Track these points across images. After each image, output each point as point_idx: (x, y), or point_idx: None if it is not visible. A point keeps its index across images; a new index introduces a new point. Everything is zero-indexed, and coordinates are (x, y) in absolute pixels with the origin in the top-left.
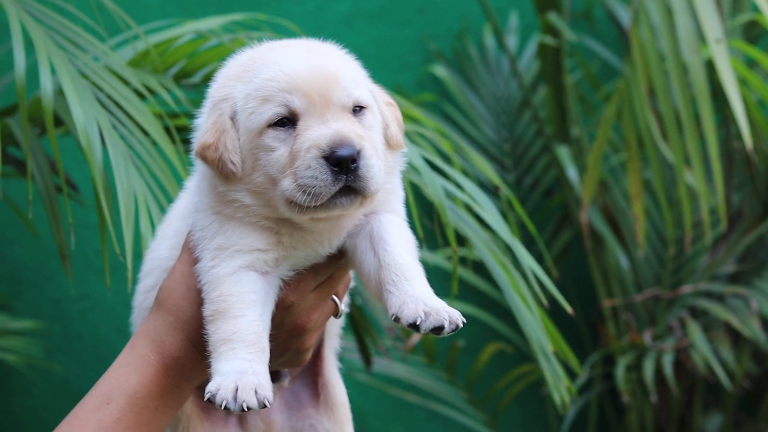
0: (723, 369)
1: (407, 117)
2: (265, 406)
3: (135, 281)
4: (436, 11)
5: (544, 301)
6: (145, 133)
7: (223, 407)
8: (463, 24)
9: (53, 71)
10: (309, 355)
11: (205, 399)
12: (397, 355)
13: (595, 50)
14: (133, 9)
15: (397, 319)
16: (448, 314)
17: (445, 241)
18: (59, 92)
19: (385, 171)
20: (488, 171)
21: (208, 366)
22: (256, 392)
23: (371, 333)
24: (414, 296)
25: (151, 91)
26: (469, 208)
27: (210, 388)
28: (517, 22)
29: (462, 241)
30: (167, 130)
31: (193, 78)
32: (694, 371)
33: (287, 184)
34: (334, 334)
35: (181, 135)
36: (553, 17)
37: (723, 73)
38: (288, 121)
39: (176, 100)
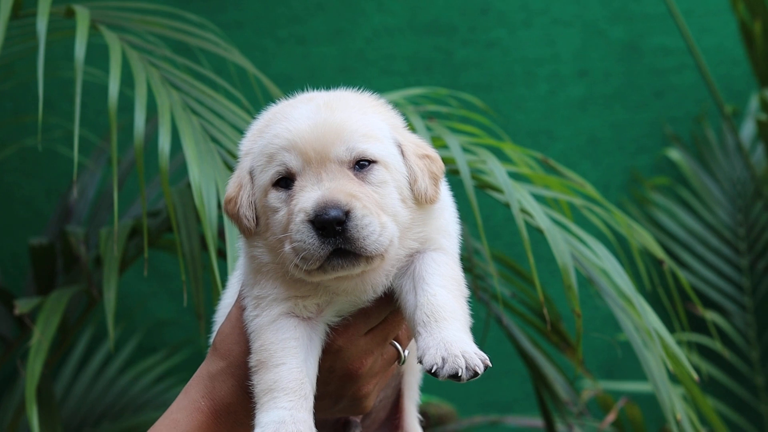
0: None
1: (580, 193)
2: None
3: None
4: (674, 94)
5: (693, 373)
6: None
7: None
8: (702, 107)
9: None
10: (370, 402)
11: None
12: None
13: None
14: (313, 81)
15: (421, 364)
16: (466, 360)
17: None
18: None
19: (413, 222)
20: (655, 248)
21: None
22: None
23: (560, 409)
24: (438, 340)
25: None
26: (605, 273)
27: None
28: (757, 104)
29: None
30: None
31: None
32: None
33: (287, 246)
34: (413, 385)
35: None
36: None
37: None
38: (288, 180)
39: None
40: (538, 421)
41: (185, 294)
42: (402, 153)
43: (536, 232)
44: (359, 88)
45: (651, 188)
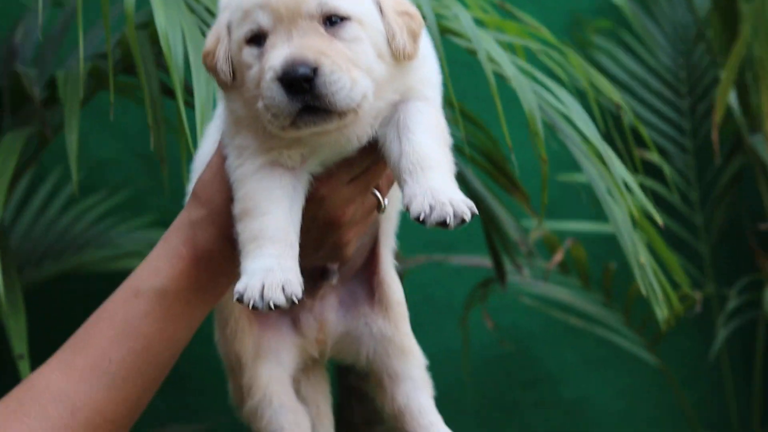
0: None
1: (535, 37)
2: (293, 303)
3: None
4: None
5: (657, 219)
6: None
7: (251, 306)
8: None
9: None
10: (350, 251)
11: (234, 299)
12: (552, 277)
13: None
14: None
15: (408, 211)
16: (453, 208)
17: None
18: None
19: (393, 76)
20: (610, 90)
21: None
22: (283, 289)
23: (508, 249)
24: (425, 188)
25: None
26: (566, 119)
27: (238, 287)
28: None
29: None
30: None
31: None
32: None
33: (260, 103)
34: (389, 232)
35: None
36: None
37: None
38: (261, 37)
39: None
40: (485, 261)
41: (152, 139)
42: (380, 10)
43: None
44: None
45: (593, 31)
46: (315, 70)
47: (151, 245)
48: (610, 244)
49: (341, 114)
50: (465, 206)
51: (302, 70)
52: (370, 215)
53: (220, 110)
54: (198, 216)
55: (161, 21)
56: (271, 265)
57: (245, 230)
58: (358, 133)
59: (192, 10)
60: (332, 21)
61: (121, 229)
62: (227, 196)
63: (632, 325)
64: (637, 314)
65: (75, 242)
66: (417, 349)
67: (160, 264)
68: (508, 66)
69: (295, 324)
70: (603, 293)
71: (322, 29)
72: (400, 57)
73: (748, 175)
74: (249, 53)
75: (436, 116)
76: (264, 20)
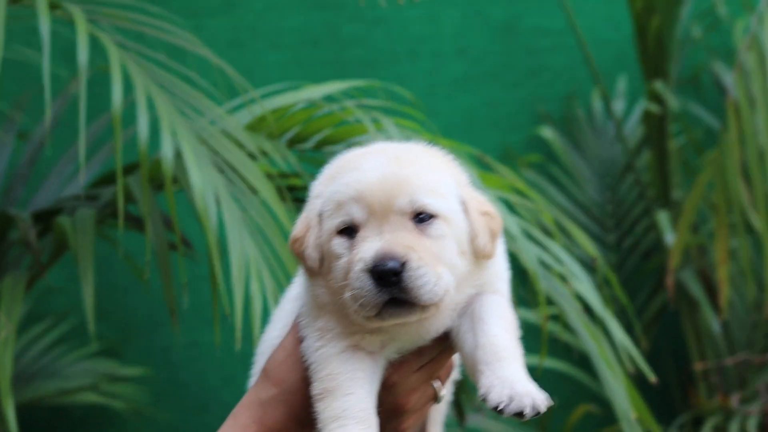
0: None
1: (513, 189)
2: None
3: (245, 338)
4: (548, 74)
5: (630, 368)
6: (256, 193)
7: None
8: (573, 87)
9: (174, 135)
10: None
11: None
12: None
13: (700, 116)
14: (254, 68)
15: (484, 400)
16: (532, 400)
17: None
18: (177, 155)
19: (471, 272)
20: (586, 244)
21: None
22: None
23: (465, 389)
24: (503, 379)
25: (266, 154)
26: (562, 278)
27: None
28: (625, 86)
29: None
30: (279, 190)
31: (306, 143)
32: None
33: (347, 292)
34: (437, 422)
35: (293, 195)
36: (659, 86)
37: None
38: (352, 229)
39: (289, 165)
40: None
41: (166, 296)
42: (465, 209)
43: None
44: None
45: (523, 165)
46: (403, 264)
47: (100, 376)
48: (550, 379)
49: (424, 307)
50: (541, 399)
51: (391, 264)
52: (428, 404)
53: (293, 294)
54: (268, 395)
55: (197, 181)
56: None
57: (328, 408)
58: (437, 324)
59: (221, 170)
60: (421, 218)
61: (68, 359)
62: (301, 377)
63: None
64: None
65: (24, 373)
66: None
67: None
68: (513, 227)
69: None
70: (539, 428)
71: (411, 225)
72: (480, 256)
73: (671, 311)
74: (339, 244)
75: (507, 309)
76: (357, 213)
